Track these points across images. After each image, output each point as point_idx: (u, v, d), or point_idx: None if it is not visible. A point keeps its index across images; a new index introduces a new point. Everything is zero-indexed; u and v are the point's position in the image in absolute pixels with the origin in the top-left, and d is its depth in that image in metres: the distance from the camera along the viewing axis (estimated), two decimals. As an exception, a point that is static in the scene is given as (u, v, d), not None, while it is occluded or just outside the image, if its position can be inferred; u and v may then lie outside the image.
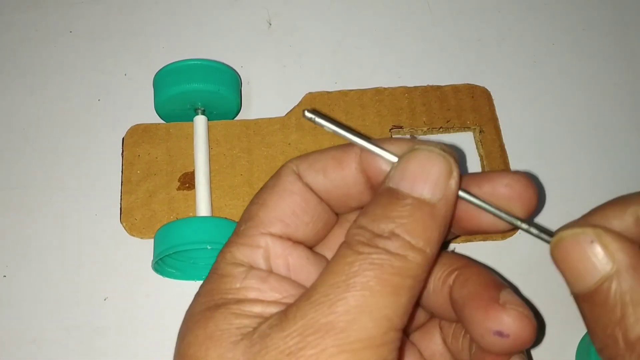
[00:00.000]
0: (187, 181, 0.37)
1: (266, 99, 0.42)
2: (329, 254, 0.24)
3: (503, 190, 0.22)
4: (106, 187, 0.38)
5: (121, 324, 0.35)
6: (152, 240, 0.35)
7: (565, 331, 0.35)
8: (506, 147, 0.40)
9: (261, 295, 0.21)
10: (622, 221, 0.21)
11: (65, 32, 0.44)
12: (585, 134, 0.41)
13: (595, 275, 0.19)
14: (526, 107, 0.42)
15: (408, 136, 0.40)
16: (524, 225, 0.22)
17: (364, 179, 0.23)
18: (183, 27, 0.45)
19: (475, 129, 0.40)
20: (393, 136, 0.40)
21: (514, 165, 0.39)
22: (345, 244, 0.20)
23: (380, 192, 0.21)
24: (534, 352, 0.35)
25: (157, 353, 0.34)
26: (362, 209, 0.22)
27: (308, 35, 0.45)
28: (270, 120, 0.39)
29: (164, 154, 0.38)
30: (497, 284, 0.22)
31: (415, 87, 0.41)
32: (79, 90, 0.42)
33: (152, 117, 0.40)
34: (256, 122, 0.39)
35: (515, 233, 0.38)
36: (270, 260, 0.23)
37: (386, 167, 0.22)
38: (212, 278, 0.22)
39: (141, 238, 0.37)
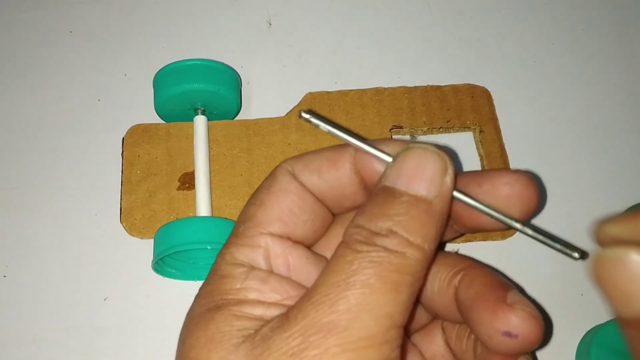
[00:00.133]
0: (187, 181, 0.38)
1: (266, 99, 0.42)
2: (327, 254, 0.24)
3: (503, 189, 0.22)
4: (106, 187, 0.38)
5: (121, 324, 0.35)
6: (152, 240, 0.35)
7: (565, 331, 0.36)
8: (506, 147, 0.40)
9: (261, 296, 0.21)
10: None
11: (65, 32, 0.44)
12: (585, 134, 0.41)
13: None
14: (526, 107, 0.42)
15: (408, 136, 0.40)
16: (518, 226, 0.22)
17: (358, 179, 0.23)
18: (183, 27, 0.45)
19: (475, 129, 0.40)
20: (393, 136, 0.40)
21: (514, 165, 0.39)
22: (344, 244, 0.20)
23: (377, 191, 0.21)
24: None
25: (157, 353, 0.34)
26: (357, 209, 0.22)
27: (308, 35, 0.45)
28: (270, 120, 0.39)
29: (164, 154, 0.38)
30: (504, 284, 0.22)
31: (415, 87, 0.41)
32: (79, 90, 0.42)
33: (152, 117, 0.40)
34: (256, 122, 0.39)
35: (515, 233, 0.38)
36: (271, 260, 0.23)
37: (380, 168, 0.23)
38: (212, 279, 0.22)
39: (141, 238, 0.37)
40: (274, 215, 0.23)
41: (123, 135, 0.39)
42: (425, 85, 0.41)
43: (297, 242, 0.23)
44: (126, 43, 0.44)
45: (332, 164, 0.24)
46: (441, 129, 0.40)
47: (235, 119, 0.40)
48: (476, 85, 0.41)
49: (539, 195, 0.23)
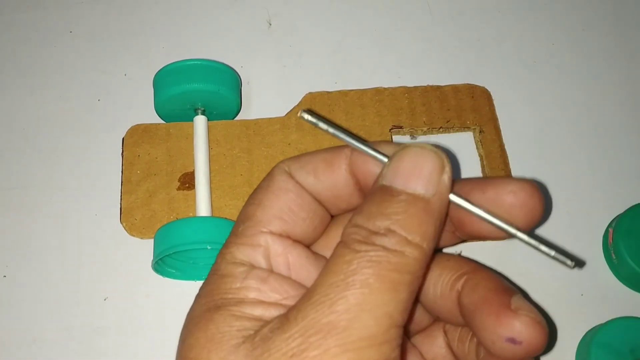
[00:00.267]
0: (187, 181, 0.37)
1: (266, 99, 0.42)
2: (326, 254, 0.24)
3: (507, 197, 0.22)
4: (106, 187, 0.38)
5: (121, 324, 0.35)
6: (152, 240, 0.35)
7: (565, 331, 0.36)
8: (506, 147, 0.40)
9: (261, 295, 0.21)
10: None
11: (65, 32, 0.44)
12: (585, 134, 0.41)
13: None
14: (526, 107, 0.42)
15: (408, 136, 0.40)
16: (519, 234, 0.22)
17: (354, 181, 0.23)
18: (183, 27, 0.45)
19: (475, 129, 0.40)
20: (393, 136, 0.40)
21: (513, 165, 0.39)
22: (342, 243, 0.20)
23: (374, 190, 0.21)
24: (534, 352, 0.35)
25: (157, 353, 0.34)
26: (353, 210, 0.22)
27: (308, 35, 0.45)
28: (270, 120, 0.39)
29: (164, 154, 0.38)
30: (508, 289, 0.22)
31: (415, 87, 0.41)
32: (79, 90, 0.42)
33: (152, 117, 0.40)
34: (256, 122, 0.39)
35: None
36: (271, 259, 0.23)
37: (376, 170, 0.23)
38: (212, 279, 0.22)
39: (141, 238, 0.37)
40: (273, 214, 0.23)
41: (123, 135, 0.39)
42: (425, 85, 0.41)
43: (296, 240, 0.23)
44: (126, 43, 0.44)
45: (328, 165, 0.24)
46: (441, 129, 0.40)
47: (235, 119, 0.40)
48: (476, 85, 0.41)
49: (544, 205, 0.22)
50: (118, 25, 0.44)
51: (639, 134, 0.42)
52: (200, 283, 0.36)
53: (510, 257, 0.37)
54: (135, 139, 0.39)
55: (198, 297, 0.22)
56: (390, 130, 0.39)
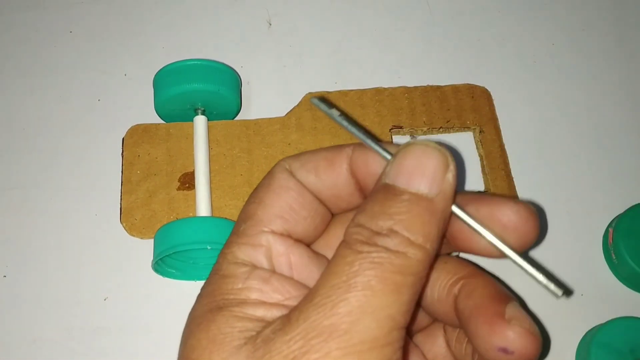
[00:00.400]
0: (187, 181, 0.37)
1: (266, 99, 0.42)
2: (327, 253, 0.24)
3: (500, 217, 0.21)
4: (106, 187, 0.38)
5: (121, 324, 0.35)
6: (152, 240, 0.35)
7: (565, 332, 0.36)
8: (506, 147, 0.40)
9: (263, 296, 0.21)
10: None
11: (65, 32, 0.44)
12: (585, 134, 0.41)
13: None
14: (526, 107, 0.42)
15: (408, 136, 0.40)
16: (512, 254, 0.21)
17: (354, 181, 0.23)
18: (183, 27, 0.45)
19: (475, 129, 0.40)
20: (393, 136, 0.40)
21: (513, 165, 0.39)
22: (344, 244, 0.20)
23: (377, 189, 0.21)
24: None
25: (157, 353, 0.34)
26: (354, 209, 0.22)
27: (308, 35, 0.45)
28: (270, 120, 0.39)
29: (164, 154, 0.38)
30: (504, 296, 0.22)
31: (415, 87, 0.41)
32: (79, 90, 0.42)
33: (152, 117, 0.40)
34: (256, 122, 0.39)
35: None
36: (273, 259, 0.22)
37: (377, 170, 0.22)
38: (214, 279, 0.22)
39: (141, 238, 0.37)
40: (274, 213, 0.23)
41: (123, 135, 0.39)
42: (425, 85, 0.41)
43: (298, 240, 0.23)
44: (126, 43, 0.44)
45: (329, 164, 0.23)
46: (441, 129, 0.40)
47: (235, 119, 0.40)
48: (476, 85, 0.41)
49: (538, 230, 0.22)
50: (118, 25, 0.44)
51: (639, 134, 0.42)
52: (200, 283, 0.36)
53: (508, 259, 0.37)
54: (135, 139, 0.39)
55: (200, 297, 0.22)
56: (390, 130, 0.39)
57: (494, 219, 0.22)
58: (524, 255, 0.22)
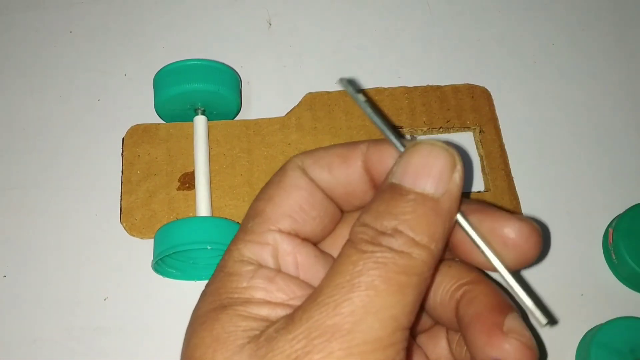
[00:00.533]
0: (187, 181, 0.37)
1: (266, 99, 0.42)
2: (334, 252, 0.24)
3: (501, 234, 0.21)
4: (106, 187, 0.38)
5: (121, 324, 0.35)
6: (152, 240, 0.35)
7: (565, 331, 0.36)
8: (506, 147, 0.40)
9: (267, 295, 0.21)
10: None
11: (65, 32, 0.44)
12: (585, 134, 0.41)
13: None
14: (526, 107, 0.42)
15: (408, 136, 0.40)
16: (506, 274, 0.21)
17: (369, 177, 0.23)
18: (183, 27, 0.45)
19: (475, 129, 0.40)
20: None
21: (513, 165, 0.39)
22: (349, 243, 0.20)
23: (383, 188, 0.21)
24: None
25: (157, 353, 0.34)
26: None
27: (308, 35, 0.45)
28: (270, 120, 0.39)
29: (164, 154, 0.38)
30: (504, 307, 0.22)
31: (415, 87, 0.41)
32: (79, 90, 0.42)
33: (152, 117, 0.40)
34: (256, 122, 0.39)
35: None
36: (279, 258, 0.22)
37: (391, 166, 0.22)
38: (219, 276, 0.22)
39: (141, 238, 0.37)
40: (283, 211, 0.23)
41: (123, 135, 0.39)
42: (425, 85, 0.41)
43: (305, 239, 0.23)
44: (126, 43, 0.44)
45: (343, 160, 0.23)
46: (441, 129, 0.40)
47: (235, 119, 0.40)
48: (476, 85, 0.41)
49: (540, 249, 0.22)
50: (118, 25, 0.44)
51: (639, 134, 0.42)
52: (200, 283, 0.36)
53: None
54: (135, 139, 0.39)
55: (204, 294, 0.22)
56: (390, 130, 0.39)
57: (496, 234, 0.21)
58: (518, 277, 0.22)
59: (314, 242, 0.24)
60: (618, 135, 0.41)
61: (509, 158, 0.39)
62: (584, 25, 0.45)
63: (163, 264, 0.35)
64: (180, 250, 0.33)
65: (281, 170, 0.24)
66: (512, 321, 0.21)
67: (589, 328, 0.35)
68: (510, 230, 0.21)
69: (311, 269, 0.23)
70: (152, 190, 0.37)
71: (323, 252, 0.24)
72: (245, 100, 0.42)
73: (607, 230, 0.38)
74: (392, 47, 0.44)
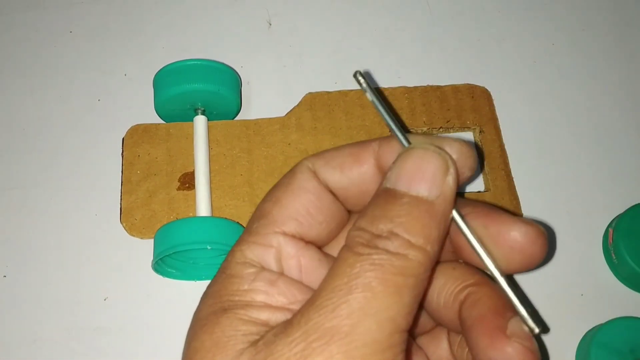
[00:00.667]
0: (187, 181, 0.37)
1: (266, 99, 0.42)
2: None
3: (507, 238, 0.21)
4: (106, 187, 0.38)
5: (121, 324, 0.35)
6: (152, 240, 0.35)
7: (565, 331, 0.36)
8: (506, 147, 0.40)
9: (268, 299, 0.21)
10: None
11: (65, 32, 0.44)
12: (585, 134, 0.41)
13: None
14: (526, 107, 0.42)
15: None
16: (501, 281, 0.21)
17: (381, 175, 0.23)
18: (183, 27, 0.45)
19: (475, 129, 0.40)
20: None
21: (513, 165, 0.39)
22: (346, 247, 0.20)
23: (378, 193, 0.21)
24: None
25: (157, 353, 0.34)
26: None
27: (308, 35, 0.45)
28: (270, 120, 0.39)
29: (164, 154, 0.38)
30: (507, 310, 0.22)
31: (415, 87, 0.41)
32: (79, 90, 0.42)
33: (152, 117, 0.40)
34: (256, 122, 0.39)
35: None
36: (282, 262, 0.22)
37: None
38: (221, 278, 0.22)
39: (141, 238, 0.37)
40: (289, 214, 0.23)
41: (123, 135, 0.39)
42: (425, 85, 0.41)
43: (310, 242, 0.23)
44: (126, 43, 0.44)
45: (355, 159, 0.23)
46: (441, 129, 0.40)
47: (235, 119, 0.40)
48: (476, 85, 0.41)
49: (545, 252, 0.22)
50: (118, 25, 0.44)
51: (639, 134, 0.42)
52: (200, 283, 0.36)
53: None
54: (135, 139, 0.39)
55: (205, 296, 0.22)
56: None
57: (502, 238, 0.22)
58: (513, 285, 0.22)
59: (319, 246, 0.24)
60: (618, 135, 0.41)
61: (509, 158, 0.39)
62: (584, 25, 0.45)
63: (163, 264, 0.35)
64: (180, 250, 0.33)
65: (290, 173, 0.24)
66: (515, 325, 0.21)
67: (589, 328, 0.35)
68: (517, 234, 0.21)
69: (314, 272, 0.23)
70: (152, 190, 0.37)
71: (327, 256, 0.24)
72: (245, 100, 0.42)
73: (607, 230, 0.38)
74: (392, 47, 0.44)
